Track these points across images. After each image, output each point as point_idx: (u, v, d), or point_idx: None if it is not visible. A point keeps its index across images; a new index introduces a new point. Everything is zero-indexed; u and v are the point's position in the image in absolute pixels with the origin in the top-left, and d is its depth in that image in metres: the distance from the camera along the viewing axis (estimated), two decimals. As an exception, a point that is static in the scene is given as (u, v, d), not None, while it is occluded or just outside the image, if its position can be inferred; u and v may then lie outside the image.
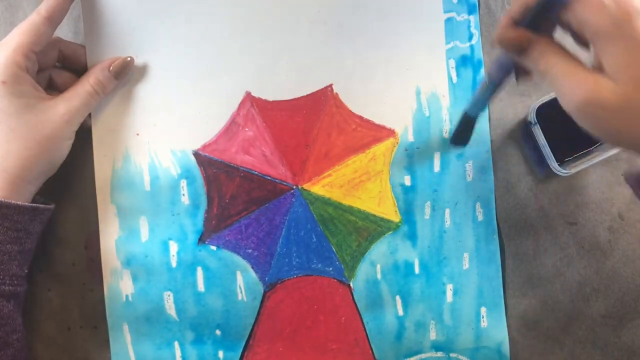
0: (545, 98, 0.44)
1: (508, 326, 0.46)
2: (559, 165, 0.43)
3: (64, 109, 0.40)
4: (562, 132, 0.44)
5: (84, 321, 0.44)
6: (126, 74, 0.43)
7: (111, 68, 0.42)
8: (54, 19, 0.39)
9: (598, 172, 0.46)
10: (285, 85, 0.44)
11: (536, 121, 0.43)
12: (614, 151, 0.43)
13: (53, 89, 0.43)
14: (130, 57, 0.43)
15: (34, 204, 0.40)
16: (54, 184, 0.43)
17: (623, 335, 0.46)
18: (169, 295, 0.44)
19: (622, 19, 0.27)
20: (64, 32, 0.44)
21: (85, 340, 0.45)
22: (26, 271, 0.41)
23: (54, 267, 0.44)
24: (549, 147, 0.43)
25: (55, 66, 0.43)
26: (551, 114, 0.43)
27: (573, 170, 0.44)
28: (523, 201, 0.46)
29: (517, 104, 0.46)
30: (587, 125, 0.30)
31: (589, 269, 0.46)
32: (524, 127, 0.46)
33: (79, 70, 0.43)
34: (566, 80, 0.30)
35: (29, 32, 0.38)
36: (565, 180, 0.46)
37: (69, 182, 0.44)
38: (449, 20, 0.45)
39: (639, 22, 0.27)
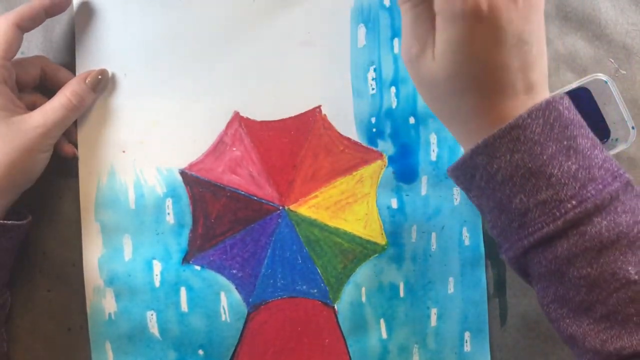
0: None
1: (509, 326, 0.45)
2: None
3: (38, 121, 0.39)
4: None
5: (84, 321, 0.44)
6: (103, 86, 0.43)
7: (87, 80, 0.41)
8: (22, 26, 0.39)
9: (598, 171, 0.46)
10: (274, 105, 0.44)
11: None
12: (614, 151, 0.43)
13: None
14: (105, 69, 0.43)
15: (0, 221, 0.38)
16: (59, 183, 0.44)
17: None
18: (152, 315, 0.44)
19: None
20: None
21: (85, 341, 0.44)
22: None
23: (54, 267, 0.44)
24: None
25: (36, 88, 0.43)
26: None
27: None
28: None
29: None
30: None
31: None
32: None
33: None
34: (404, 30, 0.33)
35: None
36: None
37: (72, 184, 0.44)
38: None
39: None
